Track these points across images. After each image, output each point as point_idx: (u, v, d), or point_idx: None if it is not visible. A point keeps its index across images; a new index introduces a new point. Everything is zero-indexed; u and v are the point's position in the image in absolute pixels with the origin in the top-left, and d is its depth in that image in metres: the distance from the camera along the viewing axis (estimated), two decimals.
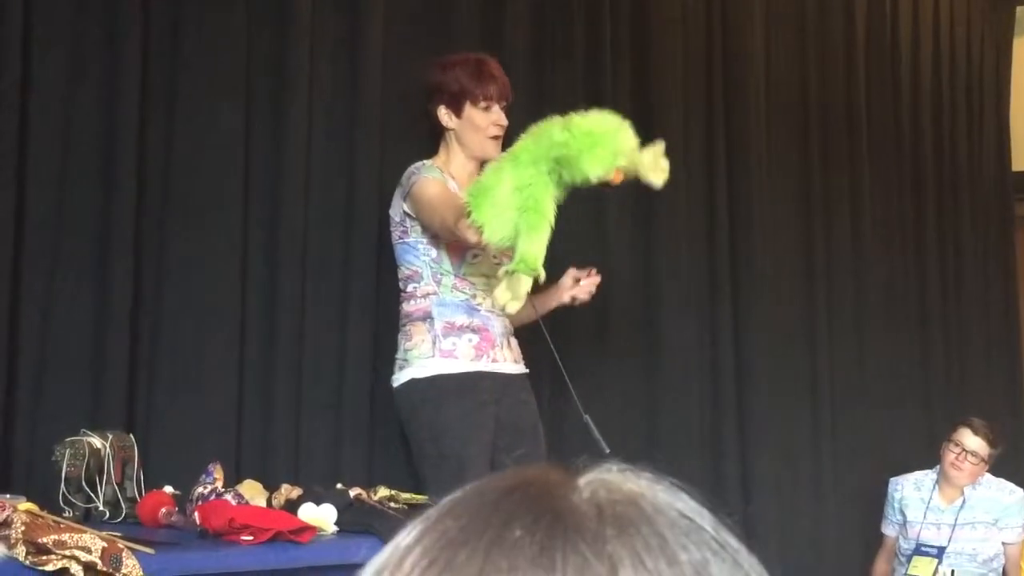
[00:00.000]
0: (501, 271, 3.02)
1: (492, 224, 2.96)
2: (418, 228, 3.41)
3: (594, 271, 3.61)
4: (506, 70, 3.60)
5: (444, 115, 3.49)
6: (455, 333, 3.40)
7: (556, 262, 3.38)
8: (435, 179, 3.38)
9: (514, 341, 3.54)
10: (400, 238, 3.45)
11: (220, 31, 3.41)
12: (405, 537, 0.58)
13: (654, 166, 3.11)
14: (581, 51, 4.33)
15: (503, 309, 3.05)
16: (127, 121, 3.19)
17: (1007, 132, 6.74)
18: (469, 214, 2.98)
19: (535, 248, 2.96)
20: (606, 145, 2.96)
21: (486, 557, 0.54)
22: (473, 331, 3.42)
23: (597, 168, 2.94)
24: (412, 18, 3.89)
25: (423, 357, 3.39)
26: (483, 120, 3.48)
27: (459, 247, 3.36)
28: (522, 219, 2.94)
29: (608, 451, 3.14)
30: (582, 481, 0.60)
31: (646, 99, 4.53)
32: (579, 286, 3.58)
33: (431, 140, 3.58)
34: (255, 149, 3.46)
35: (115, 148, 3.17)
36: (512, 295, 3.00)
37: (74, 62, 3.16)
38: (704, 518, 0.59)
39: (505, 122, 3.50)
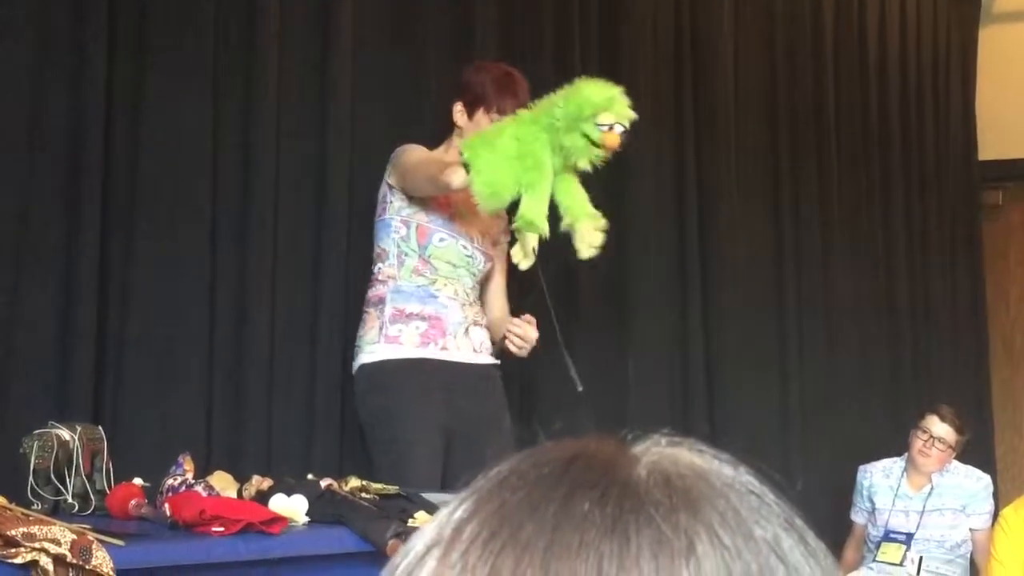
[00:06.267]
0: (514, 225, 3.23)
1: (484, 167, 3.12)
2: (395, 205, 3.46)
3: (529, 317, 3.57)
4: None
5: (458, 112, 3.51)
6: (402, 320, 3.43)
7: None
8: (421, 147, 3.43)
9: (478, 331, 3.54)
10: (379, 216, 3.50)
11: (187, 18, 3.38)
12: (455, 510, 0.55)
13: (587, 238, 3.28)
14: (550, 48, 4.32)
15: (518, 266, 3.28)
16: (93, 113, 3.16)
17: (973, 122, 6.79)
18: (463, 158, 3.15)
19: (537, 207, 3.16)
20: (607, 86, 3.17)
21: (554, 531, 0.51)
22: (423, 319, 3.44)
23: (596, 93, 3.12)
24: (382, 8, 3.88)
25: (371, 343, 3.44)
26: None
27: (427, 230, 3.43)
28: (522, 177, 3.13)
29: (581, 388, 3.41)
30: (639, 452, 0.57)
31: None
32: (516, 338, 3.53)
33: (403, 129, 3.60)
34: (223, 142, 3.44)
35: (81, 140, 3.14)
36: (523, 253, 3.25)
37: (38, 55, 3.13)
38: (768, 494, 0.56)
39: None
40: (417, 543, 0.55)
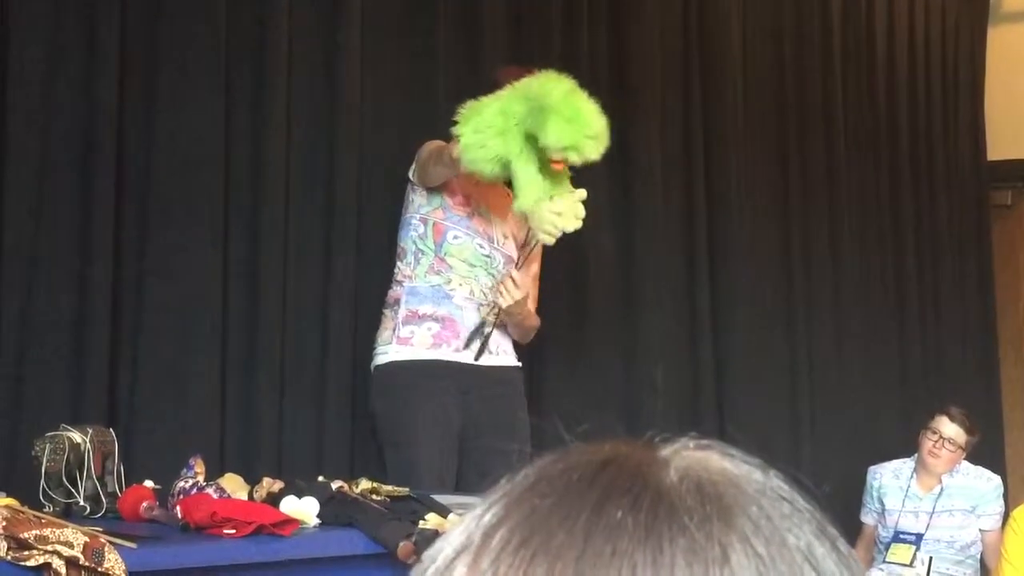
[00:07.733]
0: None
1: (471, 140, 3.12)
2: (415, 203, 3.48)
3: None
4: (483, 68, 3.62)
5: None
6: (415, 321, 3.43)
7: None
8: (441, 141, 3.43)
9: (494, 333, 3.51)
10: (403, 214, 3.53)
11: (199, 18, 3.39)
12: (484, 514, 0.53)
13: (571, 213, 3.21)
14: (557, 55, 4.32)
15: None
16: (105, 112, 3.17)
17: (982, 121, 6.77)
18: (456, 129, 3.13)
19: (526, 187, 3.14)
20: (579, 128, 3.06)
21: (587, 539, 0.50)
22: (436, 320, 3.43)
23: (554, 136, 3.03)
24: (390, 7, 3.88)
25: (385, 344, 3.46)
26: None
27: (442, 228, 3.44)
28: (501, 151, 3.10)
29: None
30: (669, 456, 0.56)
31: (624, 86, 4.52)
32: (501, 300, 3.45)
33: (412, 128, 3.62)
34: (234, 141, 3.45)
35: (94, 139, 3.16)
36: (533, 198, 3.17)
37: (51, 55, 3.14)
38: (799, 500, 0.55)
39: None
40: (445, 547, 0.54)
